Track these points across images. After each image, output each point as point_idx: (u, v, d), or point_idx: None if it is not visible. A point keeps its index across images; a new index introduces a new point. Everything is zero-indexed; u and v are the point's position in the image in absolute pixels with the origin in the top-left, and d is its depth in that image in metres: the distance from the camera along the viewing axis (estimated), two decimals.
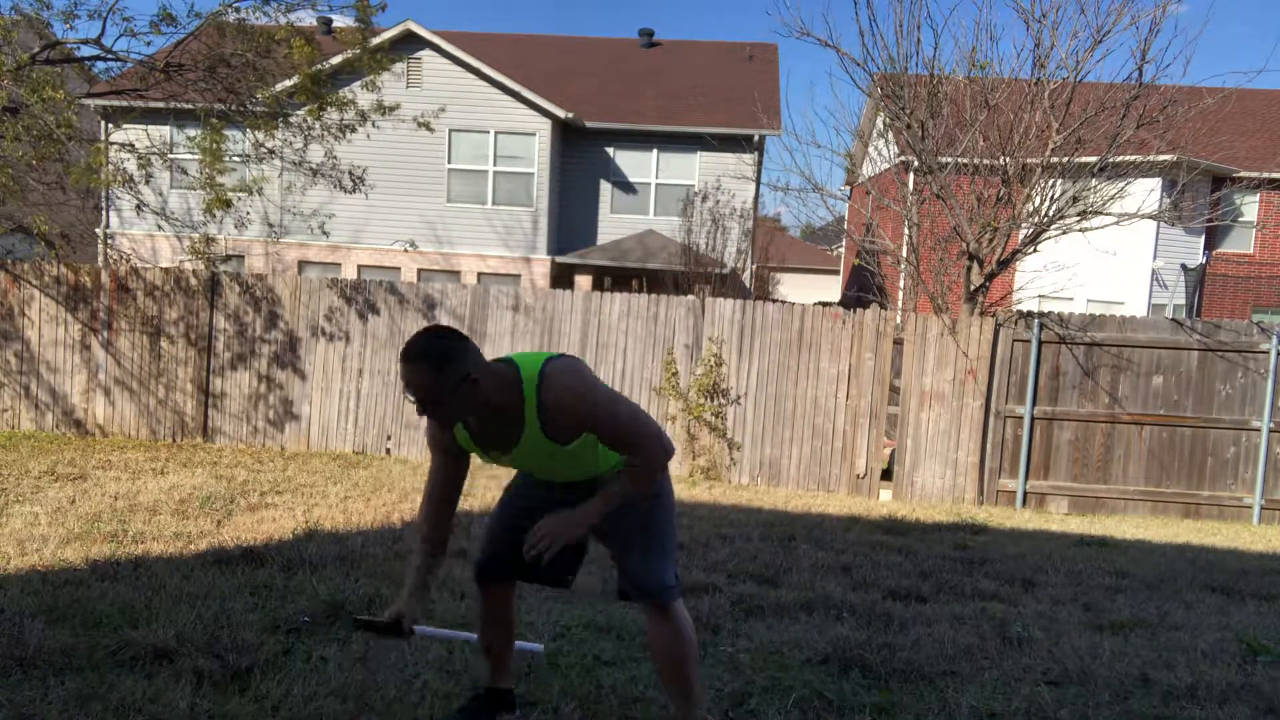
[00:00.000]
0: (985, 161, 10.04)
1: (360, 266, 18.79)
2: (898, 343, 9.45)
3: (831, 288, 34.48)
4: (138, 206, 10.12)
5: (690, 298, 9.82)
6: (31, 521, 5.69)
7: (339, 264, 18.74)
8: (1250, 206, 20.49)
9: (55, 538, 5.26)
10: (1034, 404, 9.23)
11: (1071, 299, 16.28)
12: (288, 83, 10.52)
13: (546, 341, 9.80)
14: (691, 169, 19.15)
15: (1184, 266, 19.67)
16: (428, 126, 11.28)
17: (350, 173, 11.15)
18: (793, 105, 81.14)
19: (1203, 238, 19.96)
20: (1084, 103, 9.95)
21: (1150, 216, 10.94)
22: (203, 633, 3.68)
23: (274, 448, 9.88)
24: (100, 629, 3.73)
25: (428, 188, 18.68)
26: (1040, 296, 12.69)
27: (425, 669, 3.50)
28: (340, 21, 12.23)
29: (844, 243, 28.90)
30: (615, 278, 18.62)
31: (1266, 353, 9.12)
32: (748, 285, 19.48)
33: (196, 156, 10.20)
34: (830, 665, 3.83)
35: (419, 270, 18.37)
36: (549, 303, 9.90)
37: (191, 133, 10.50)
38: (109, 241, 17.55)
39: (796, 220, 64.56)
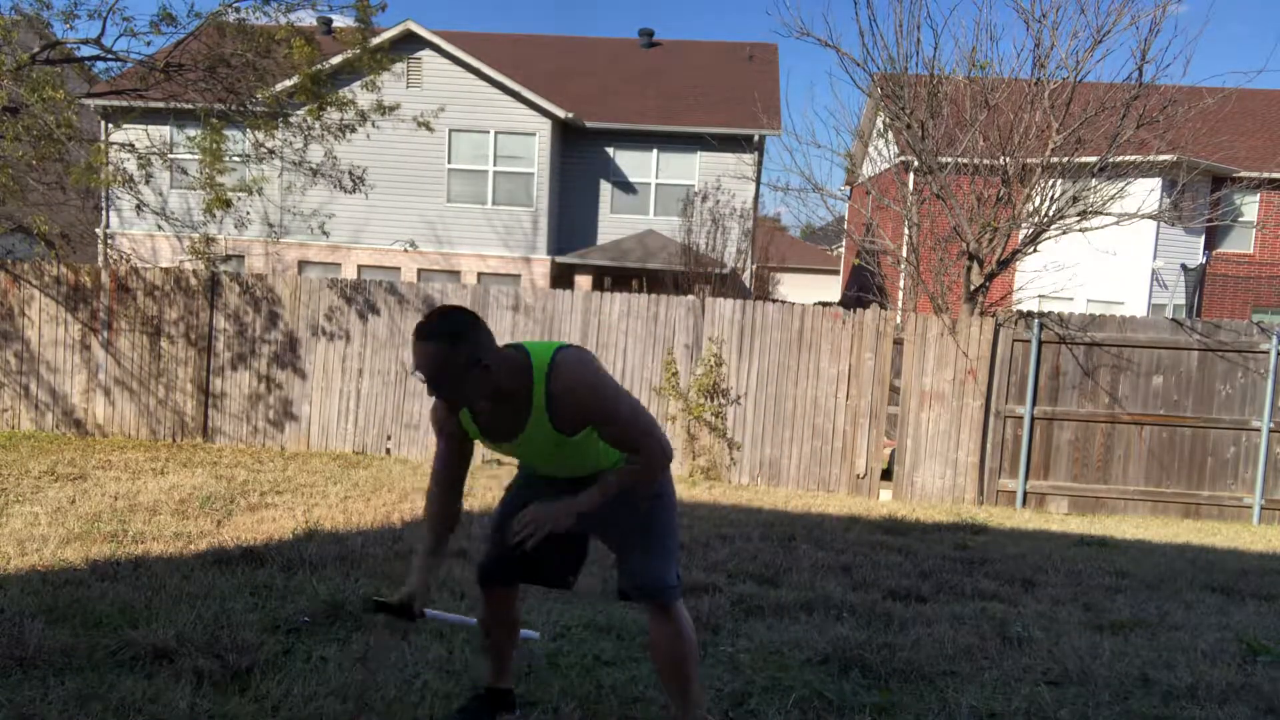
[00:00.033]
0: (985, 161, 10.05)
1: (360, 266, 18.79)
2: (898, 343, 9.45)
3: (831, 288, 34.48)
4: (138, 206, 10.12)
5: (690, 298, 9.82)
6: (31, 521, 5.69)
7: (339, 264, 18.74)
8: (1250, 206, 20.49)
9: (55, 538, 5.26)
10: (1034, 404, 9.23)
11: (1071, 299, 16.28)
12: (288, 83, 10.52)
13: None
14: (691, 169, 19.16)
15: (1184, 266, 19.67)
16: (428, 126, 11.28)
17: (350, 173, 11.16)
18: (793, 105, 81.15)
19: (1203, 238, 19.96)
20: (1084, 103, 9.95)
21: (1150, 216, 10.94)
22: (203, 633, 3.68)
23: (274, 448, 9.88)
24: (100, 629, 3.73)
25: (428, 188, 18.68)
26: (1040, 296, 12.69)
27: (425, 669, 3.50)
28: (340, 21, 12.24)
29: (844, 243, 28.90)
30: (615, 278, 18.62)
31: (1266, 353, 9.12)
32: (748, 285, 19.48)
33: (196, 156, 10.20)
34: (830, 665, 3.83)
35: (419, 270, 18.37)
36: (549, 303, 9.90)
37: (191, 133, 10.50)
38: (109, 241, 17.55)
39: (796, 220, 64.60)
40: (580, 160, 19.35)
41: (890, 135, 12.30)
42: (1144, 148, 11.88)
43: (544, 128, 18.46)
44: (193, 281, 9.96)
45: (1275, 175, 19.32)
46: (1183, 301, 19.69)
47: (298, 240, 17.44)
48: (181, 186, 11.89)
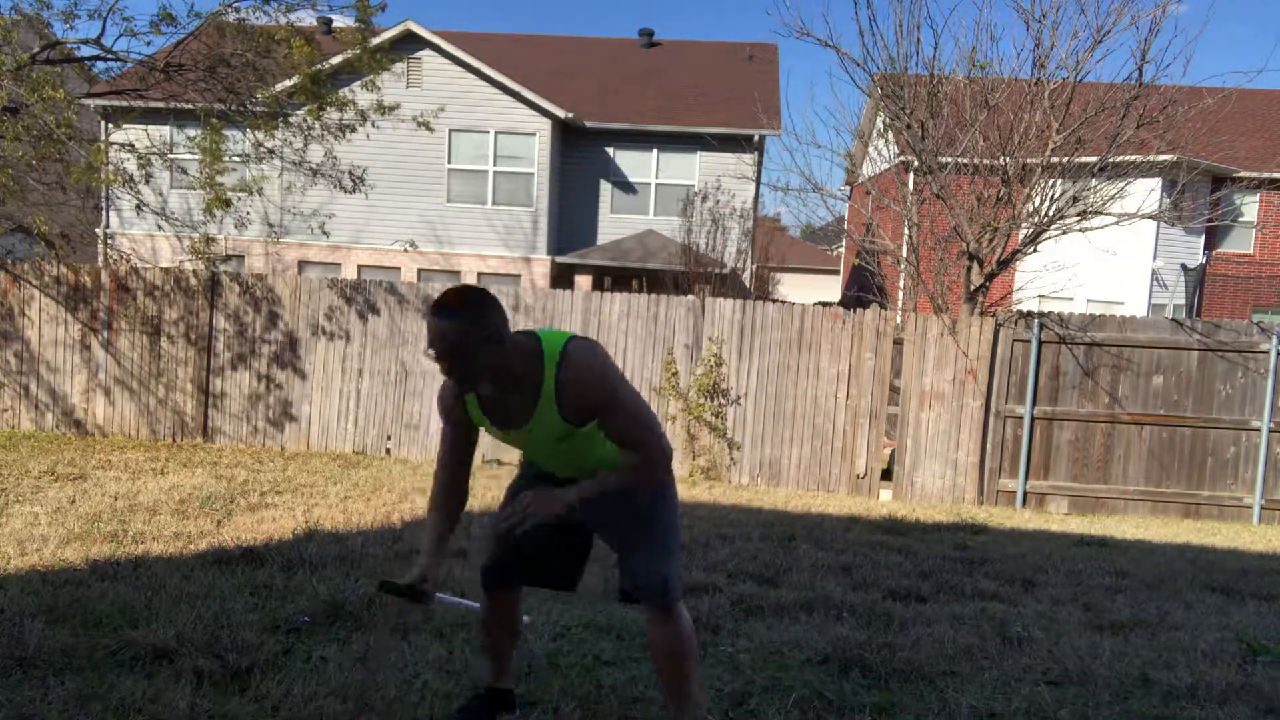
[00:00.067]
0: (985, 161, 10.05)
1: (360, 266, 18.79)
2: (898, 343, 9.45)
3: (831, 288, 34.48)
4: (138, 206, 10.12)
5: (690, 298, 9.82)
6: (31, 521, 5.69)
7: (339, 264, 18.74)
8: (1250, 206, 20.49)
9: (55, 538, 5.26)
10: (1034, 404, 9.23)
11: (1071, 299, 16.28)
12: (288, 83, 10.52)
13: None
14: (691, 169, 19.16)
15: (1184, 266, 19.67)
16: (428, 126, 11.28)
17: (350, 173, 11.16)
18: (793, 105, 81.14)
19: (1203, 238, 19.96)
20: (1084, 103, 9.95)
21: (1150, 216, 10.94)
22: (203, 633, 3.68)
23: (274, 448, 9.88)
24: (100, 629, 3.73)
25: (428, 188, 18.68)
26: (1040, 296, 12.70)
27: (425, 669, 3.50)
28: (340, 21, 12.25)
29: (844, 243, 28.90)
30: (615, 278, 18.62)
31: (1266, 353, 9.12)
32: (748, 285, 19.48)
33: (196, 156, 10.21)
34: (830, 665, 3.83)
35: (419, 270, 18.37)
36: (549, 303, 9.90)
37: (191, 133, 10.50)
38: (109, 241, 17.55)
39: (796, 220, 64.60)
40: (580, 160, 19.36)
41: (890, 135, 12.30)
42: (1144, 148, 11.88)
43: (544, 128, 18.46)
44: (193, 281, 9.96)
45: (1275, 175, 19.33)
46: (1183, 301, 19.69)
47: (298, 240, 17.44)
48: (181, 186, 11.89)
